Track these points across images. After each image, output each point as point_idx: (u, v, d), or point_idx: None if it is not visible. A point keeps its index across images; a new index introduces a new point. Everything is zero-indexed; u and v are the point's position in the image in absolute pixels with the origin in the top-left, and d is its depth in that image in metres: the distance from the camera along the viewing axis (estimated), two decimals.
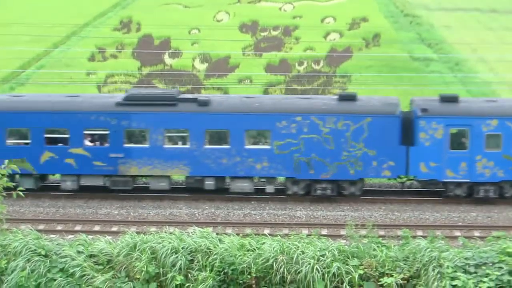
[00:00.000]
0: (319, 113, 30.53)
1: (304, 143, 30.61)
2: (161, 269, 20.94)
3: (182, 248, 21.23)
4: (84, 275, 20.92)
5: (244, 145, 30.84)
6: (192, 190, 31.91)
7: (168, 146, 31.07)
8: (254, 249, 21.35)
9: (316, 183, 31.05)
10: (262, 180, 31.76)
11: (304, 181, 31.12)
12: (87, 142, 31.37)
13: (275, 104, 31.24)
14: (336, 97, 31.86)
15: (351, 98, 31.25)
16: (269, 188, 31.45)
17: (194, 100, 31.24)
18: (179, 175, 32.44)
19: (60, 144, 31.34)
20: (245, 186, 31.29)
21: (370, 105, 30.89)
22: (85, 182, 31.57)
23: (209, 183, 31.32)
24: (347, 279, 20.54)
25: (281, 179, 32.17)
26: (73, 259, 21.13)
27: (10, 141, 31.46)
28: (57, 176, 32.77)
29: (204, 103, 30.90)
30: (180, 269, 20.87)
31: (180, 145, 31.13)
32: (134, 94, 31.50)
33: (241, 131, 30.79)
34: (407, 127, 30.75)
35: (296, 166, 30.70)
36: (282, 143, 30.68)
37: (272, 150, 30.75)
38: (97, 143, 31.45)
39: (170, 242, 21.36)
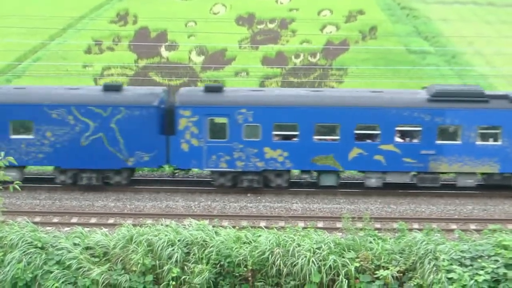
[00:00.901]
0: None
1: None
2: (157, 262, 20.99)
3: (179, 240, 21.28)
4: (81, 267, 20.96)
5: None
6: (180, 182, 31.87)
7: (480, 143, 30.90)
8: (250, 241, 21.41)
9: None
10: None
11: None
12: (397, 138, 31.03)
13: None
14: None
15: None
16: None
17: (505, 97, 31.08)
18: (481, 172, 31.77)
19: (368, 141, 31.03)
20: None
21: None
22: (391, 179, 31.31)
23: None
24: (343, 271, 20.59)
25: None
26: (70, 252, 21.17)
27: (317, 137, 30.93)
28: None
29: None
30: (176, 261, 20.92)
31: (491, 142, 31.01)
32: (444, 90, 31.07)
33: None
34: None
35: None
36: None
37: None
38: (407, 139, 31.19)
39: (166, 235, 21.40)
